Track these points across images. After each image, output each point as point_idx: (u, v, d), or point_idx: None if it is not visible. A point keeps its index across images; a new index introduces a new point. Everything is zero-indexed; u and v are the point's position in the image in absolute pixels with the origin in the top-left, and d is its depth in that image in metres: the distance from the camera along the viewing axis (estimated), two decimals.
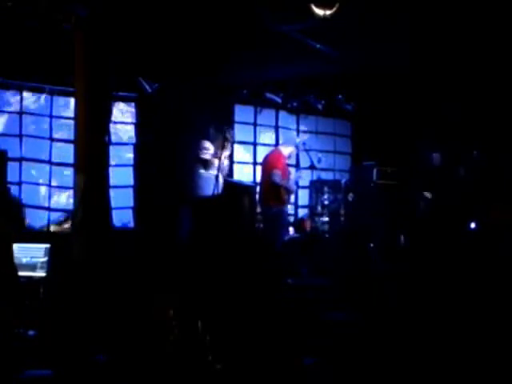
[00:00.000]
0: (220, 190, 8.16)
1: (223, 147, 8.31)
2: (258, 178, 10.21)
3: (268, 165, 9.33)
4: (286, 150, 9.53)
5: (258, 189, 9.53)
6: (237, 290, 6.19)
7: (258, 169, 10.46)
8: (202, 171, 8.47)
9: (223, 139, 8.44)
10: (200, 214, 8.07)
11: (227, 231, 7.51)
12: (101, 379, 5.01)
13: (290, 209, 11.14)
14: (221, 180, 8.24)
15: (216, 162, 8.32)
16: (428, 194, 9.46)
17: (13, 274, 5.72)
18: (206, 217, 7.83)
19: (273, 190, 9.11)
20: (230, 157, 10.78)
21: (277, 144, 10.93)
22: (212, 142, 8.71)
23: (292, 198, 11.24)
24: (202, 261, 6.67)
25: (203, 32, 8.07)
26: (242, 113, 11.13)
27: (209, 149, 8.55)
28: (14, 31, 7.65)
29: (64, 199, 9.38)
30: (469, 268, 7.99)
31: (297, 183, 10.50)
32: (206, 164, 8.50)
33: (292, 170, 11.15)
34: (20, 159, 9.17)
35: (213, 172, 8.29)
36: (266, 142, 11.39)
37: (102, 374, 5.03)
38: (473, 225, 9.24)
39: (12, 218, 6.03)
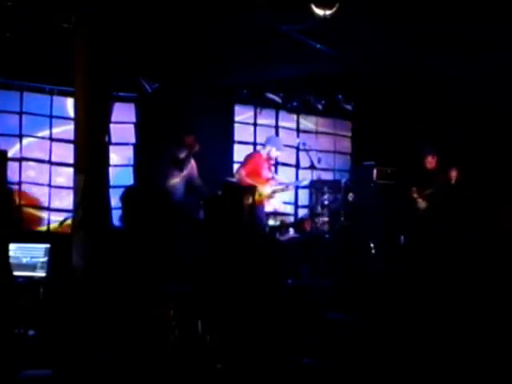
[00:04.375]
0: None
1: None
2: None
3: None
4: (264, 151, 9.55)
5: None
6: (237, 290, 6.18)
7: None
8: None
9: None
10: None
11: (227, 231, 7.50)
12: (101, 379, 5.01)
13: (290, 209, 11.21)
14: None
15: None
16: None
17: (8, 274, 5.73)
18: (206, 216, 7.83)
19: None
20: (230, 157, 10.83)
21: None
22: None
23: (292, 197, 11.30)
24: (202, 260, 6.67)
25: (203, 32, 8.07)
26: (242, 113, 11.13)
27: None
28: (14, 31, 7.64)
29: (65, 200, 9.38)
30: (469, 268, 7.98)
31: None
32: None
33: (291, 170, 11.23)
34: (20, 159, 9.17)
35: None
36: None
37: (102, 374, 5.03)
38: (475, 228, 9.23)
39: (11, 218, 6.04)
